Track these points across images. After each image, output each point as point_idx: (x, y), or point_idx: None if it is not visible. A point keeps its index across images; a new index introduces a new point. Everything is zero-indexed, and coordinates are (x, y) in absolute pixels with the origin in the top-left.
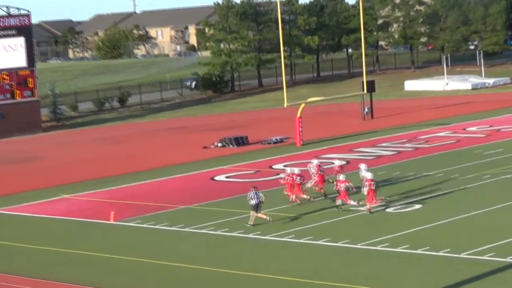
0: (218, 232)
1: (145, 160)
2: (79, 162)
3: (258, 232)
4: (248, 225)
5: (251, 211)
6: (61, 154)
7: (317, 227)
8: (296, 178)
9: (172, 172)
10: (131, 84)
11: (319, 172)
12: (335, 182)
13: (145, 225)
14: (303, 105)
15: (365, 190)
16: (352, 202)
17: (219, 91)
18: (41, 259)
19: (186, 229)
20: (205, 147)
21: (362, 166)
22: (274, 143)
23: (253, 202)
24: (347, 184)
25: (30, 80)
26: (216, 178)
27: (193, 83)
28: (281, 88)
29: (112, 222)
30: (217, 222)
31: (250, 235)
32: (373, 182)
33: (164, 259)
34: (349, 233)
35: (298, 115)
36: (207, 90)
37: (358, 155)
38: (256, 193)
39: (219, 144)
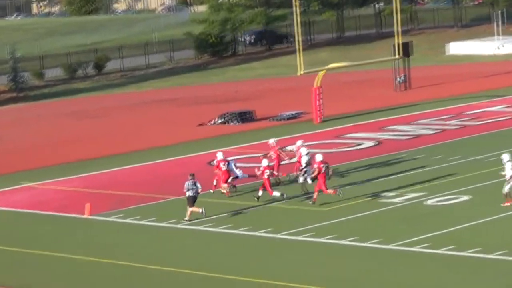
0: (219, 229)
1: (127, 140)
2: (45, 142)
3: (269, 229)
4: (185, 221)
5: (187, 205)
6: (23, 132)
7: (341, 223)
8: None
9: (161, 155)
10: (110, 46)
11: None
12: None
13: (128, 220)
14: (322, 72)
15: (310, 175)
16: (276, 194)
17: (217, 55)
18: None
19: (179, 226)
20: (201, 125)
21: (299, 143)
22: (287, 119)
23: (190, 193)
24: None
25: None
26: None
27: (252, 38)
28: (295, 52)
29: (87, 216)
30: (217, 217)
31: (257, 233)
32: (323, 166)
33: (152, 262)
34: (381, 230)
35: (316, 84)
36: (202, 53)
37: (391, 135)
38: (194, 183)
39: (219, 121)
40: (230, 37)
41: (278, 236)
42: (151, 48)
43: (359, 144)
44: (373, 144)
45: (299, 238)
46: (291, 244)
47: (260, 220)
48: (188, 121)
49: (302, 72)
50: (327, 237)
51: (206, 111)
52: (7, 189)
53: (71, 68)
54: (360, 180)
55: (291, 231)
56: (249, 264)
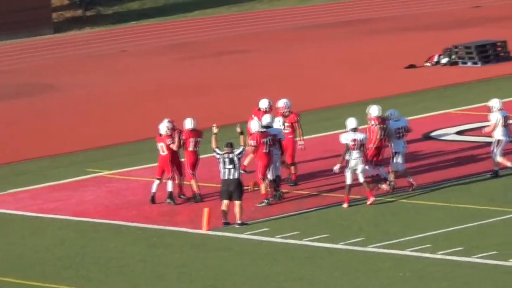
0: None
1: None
2: (132, 97)
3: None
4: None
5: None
6: (95, 81)
7: None
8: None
9: (335, 123)
10: None
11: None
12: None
13: (302, 241)
14: None
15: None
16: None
17: None
18: None
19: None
20: (411, 66)
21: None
22: None
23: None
24: None
25: None
26: (434, 134)
27: None
28: None
29: (204, 231)
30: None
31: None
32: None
33: None
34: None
35: None
36: None
37: None
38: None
39: (444, 60)
40: None
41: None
42: None
43: None
44: None
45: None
46: None
47: None
48: (389, 59)
49: None
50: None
51: (420, 43)
52: (65, 181)
53: None
54: None
55: None
56: None
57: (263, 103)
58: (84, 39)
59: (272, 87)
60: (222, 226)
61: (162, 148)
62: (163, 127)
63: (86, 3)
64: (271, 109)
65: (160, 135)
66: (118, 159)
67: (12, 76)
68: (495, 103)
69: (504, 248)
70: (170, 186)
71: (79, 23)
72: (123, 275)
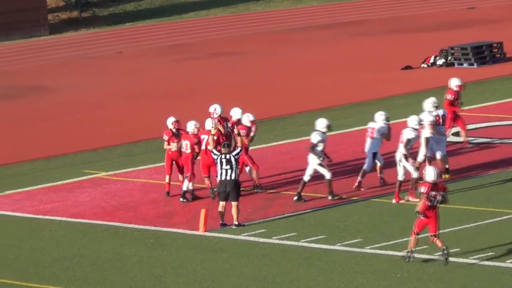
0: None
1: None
2: (128, 98)
3: None
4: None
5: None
6: (90, 82)
7: None
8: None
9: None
10: None
11: None
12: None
13: (300, 243)
14: None
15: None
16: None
17: None
18: None
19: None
20: (407, 67)
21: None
22: None
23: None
24: None
25: None
26: None
27: None
28: None
29: (201, 232)
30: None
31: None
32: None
33: None
34: None
35: None
36: None
37: None
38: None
39: (440, 61)
40: None
41: None
42: None
43: None
44: None
45: None
46: None
47: None
48: (385, 61)
49: None
50: None
51: (416, 44)
52: (60, 183)
53: None
54: None
55: None
56: None
57: None
58: (79, 40)
59: (268, 89)
60: (219, 227)
61: (186, 146)
62: (191, 125)
63: (82, 4)
64: None
65: (187, 132)
66: (114, 160)
67: (7, 77)
68: (429, 103)
69: (501, 249)
70: (185, 186)
71: (75, 24)
72: (120, 276)
